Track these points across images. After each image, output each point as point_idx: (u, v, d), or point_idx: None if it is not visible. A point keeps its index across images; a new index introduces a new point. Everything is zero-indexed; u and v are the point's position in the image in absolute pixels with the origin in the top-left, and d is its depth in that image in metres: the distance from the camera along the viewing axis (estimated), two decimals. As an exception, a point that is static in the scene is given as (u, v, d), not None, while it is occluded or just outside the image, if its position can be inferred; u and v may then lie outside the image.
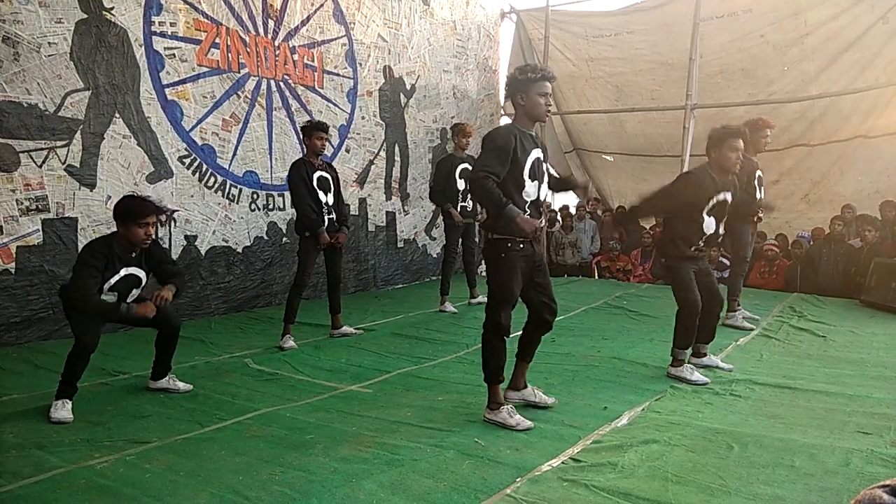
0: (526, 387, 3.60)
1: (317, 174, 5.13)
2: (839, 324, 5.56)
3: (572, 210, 10.43)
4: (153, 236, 3.70)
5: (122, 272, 3.64)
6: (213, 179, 6.29)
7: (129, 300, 3.71)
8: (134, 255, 3.68)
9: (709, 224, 4.03)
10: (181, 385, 3.97)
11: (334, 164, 7.46)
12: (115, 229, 3.67)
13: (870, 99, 8.23)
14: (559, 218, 10.29)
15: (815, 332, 5.26)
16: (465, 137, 6.38)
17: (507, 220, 3.11)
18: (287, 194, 6.99)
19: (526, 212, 3.26)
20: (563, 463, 2.81)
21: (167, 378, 3.97)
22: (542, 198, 3.37)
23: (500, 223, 3.19)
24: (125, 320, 3.60)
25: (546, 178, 3.42)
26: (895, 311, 5.92)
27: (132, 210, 3.58)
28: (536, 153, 3.29)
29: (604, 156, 11.21)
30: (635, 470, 2.72)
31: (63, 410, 3.44)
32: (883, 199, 7.70)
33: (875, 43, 7.93)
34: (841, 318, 5.76)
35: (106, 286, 3.58)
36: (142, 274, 3.74)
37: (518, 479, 2.64)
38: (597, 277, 9.27)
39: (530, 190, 3.27)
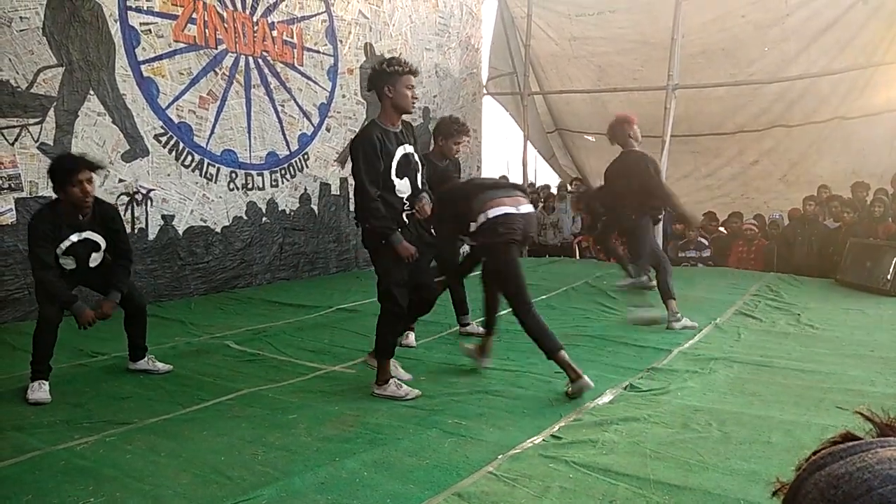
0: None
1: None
2: (815, 303, 5.65)
3: (554, 191, 10.44)
4: (92, 194, 3.49)
5: (74, 237, 3.49)
6: (190, 158, 6.19)
7: (91, 264, 3.61)
8: (82, 217, 3.51)
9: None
10: (161, 366, 3.92)
11: (315, 143, 7.42)
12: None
13: (848, 80, 8.30)
14: (541, 198, 10.31)
15: (791, 311, 5.34)
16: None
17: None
18: (266, 173, 6.93)
19: (405, 204, 3.43)
20: (544, 440, 2.84)
21: (146, 359, 3.93)
22: (419, 188, 3.50)
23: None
24: (75, 317, 3.49)
25: (420, 169, 3.52)
26: (870, 290, 6.03)
27: (62, 170, 3.41)
28: (402, 150, 3.39)
29: (586, 136, 11.21)
30: (615, 446, 2.76)
31: (40, 391, 3.39)
32: (860, 179, 7.80)
33: (854, 24, 7.98)
34: (817, 298, 5.86)
35: (58, 251, 3.45)
36: (98, 238, 3.59)
37: (499, 457, 2.67)
38: (578, 258, 9.31)
39: (402, 187, 3.40)
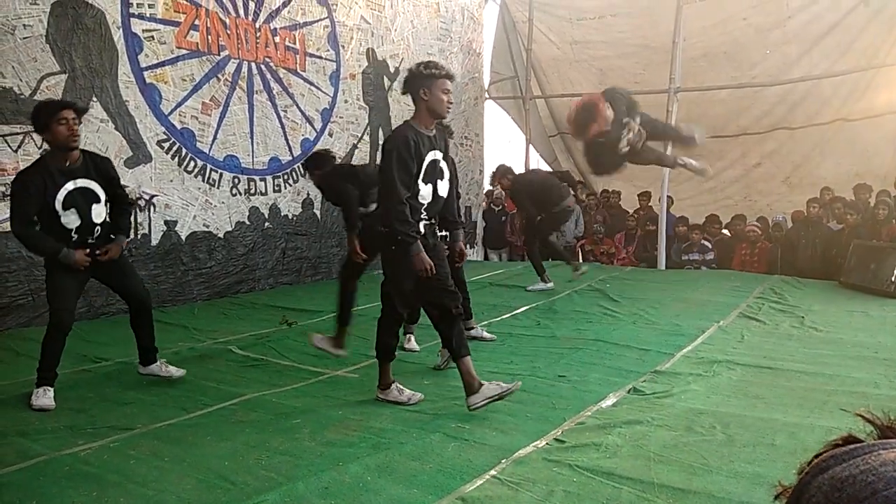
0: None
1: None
2: (819, 305, 5.64)
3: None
4: (78, 134, 3.41)
5: (69, 185, 3.41)
6: (192, 164, 6.21)
7: (96, 220, 3.53)
8: (69, 163, 3.43)
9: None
10: (174, 370, 3.83)
11: (318, 148, 7.42)
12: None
13: (850, 82, 8.30)
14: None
15: (795, 314, 5.33)
16: None
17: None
18: (269, 178, 6.94)
19: (422, 214, 3.34)
20: (547, 444, 2.83)
21: (158, 363, 3.84)
22: (442, 196, 3.45)
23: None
24: (69, 264, 3.42)
25: (447, 176, 3.48)
26: (874, 293, 6.01)
27: (46, 110, 3.36)
28: (432, 155, 3.35)
29: (588, 139, 11.20)
30: (619, 450, 2.75)
31: (44, 398, 3.39)
32: (863, 181, 7.79)
33: (855, 26, 7.99)
34: (821, 300, 5.84)
35: (57, 204, 3.38)
36: (95, 187, 3.52)
37: (503, 461, 2.66)
38: (581, 261, 9.31)
39: (425, 193, 3.34)
